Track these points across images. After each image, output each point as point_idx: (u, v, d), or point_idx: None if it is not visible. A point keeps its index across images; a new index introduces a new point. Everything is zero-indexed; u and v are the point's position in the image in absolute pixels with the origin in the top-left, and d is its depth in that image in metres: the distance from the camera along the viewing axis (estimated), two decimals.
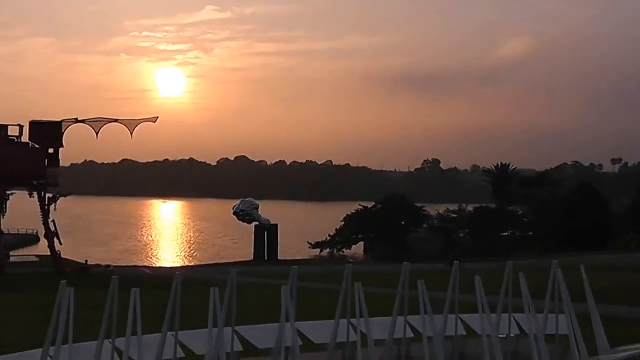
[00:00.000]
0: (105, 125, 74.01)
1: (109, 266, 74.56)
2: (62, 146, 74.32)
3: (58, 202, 74.57)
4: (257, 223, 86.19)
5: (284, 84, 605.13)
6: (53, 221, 73.94)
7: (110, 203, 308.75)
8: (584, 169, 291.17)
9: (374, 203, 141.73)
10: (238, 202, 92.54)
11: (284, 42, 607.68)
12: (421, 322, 13.09)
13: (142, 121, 73.71)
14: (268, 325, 16.89)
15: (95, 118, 74.61)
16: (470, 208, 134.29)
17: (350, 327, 18.00)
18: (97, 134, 73.73)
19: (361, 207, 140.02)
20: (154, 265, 75.86)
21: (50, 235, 73.93)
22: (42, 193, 72.77)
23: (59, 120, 74.80)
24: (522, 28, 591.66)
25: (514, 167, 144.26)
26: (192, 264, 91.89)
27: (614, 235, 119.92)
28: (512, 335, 15.82)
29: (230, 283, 12.23)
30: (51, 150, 73.99)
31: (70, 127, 74.38)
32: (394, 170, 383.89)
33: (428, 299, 11.45)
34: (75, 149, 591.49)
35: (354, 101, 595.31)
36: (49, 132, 72.60)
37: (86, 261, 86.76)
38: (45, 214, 72.55)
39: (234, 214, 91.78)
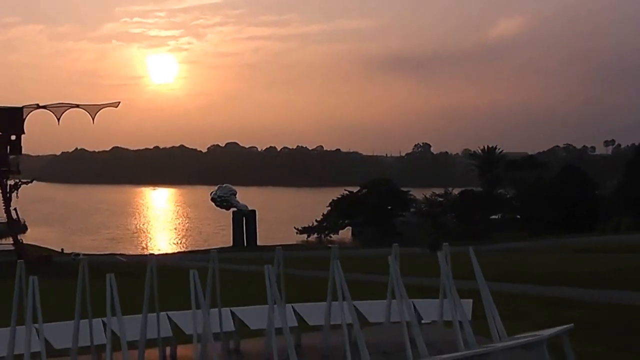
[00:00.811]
0: (67, 111, 72.75)
1: (77, 254, 72.84)
2: (24, 132, 73.20)
3: (20, 189, 73.08)
4: (235, 209, 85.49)
5: (277, 69, 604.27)
6: (15, 209, 72.76)
7: (101, 191, 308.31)
8: (576, 151, 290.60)
9: (359, 187, 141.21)
10: (215, 188, 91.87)
11: (276, 25, 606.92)
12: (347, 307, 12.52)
13: (103, 106, 72.72)
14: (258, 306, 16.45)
15: (56, 104, 73.61)
16: (456, 191, 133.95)
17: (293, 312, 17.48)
18: (58, 120, 72.76)
19: (347, 191, 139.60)
20: (130, 253, 75.13)
21: (13, 224, 72.88)
22: (4, 180, 71.53)
23: (20, 106, 73.65)
24: (514, 8, 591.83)
25: (500, 150, 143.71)
26: (171, 252, 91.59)
27: (604, 217, 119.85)
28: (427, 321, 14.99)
29: (212, 262, 12.41)
30: (13, 137, 72.78)
31: (31, 113, 73.23)
32: (385, 155, 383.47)
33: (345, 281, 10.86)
34: (66, 136, 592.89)
35: (346, 86, 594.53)
36: (9, 118, 71.38)
37: (62, 249, 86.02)
38: (7, 201, 71.42)
39: (212, 200, 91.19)
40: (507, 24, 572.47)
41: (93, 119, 72.08)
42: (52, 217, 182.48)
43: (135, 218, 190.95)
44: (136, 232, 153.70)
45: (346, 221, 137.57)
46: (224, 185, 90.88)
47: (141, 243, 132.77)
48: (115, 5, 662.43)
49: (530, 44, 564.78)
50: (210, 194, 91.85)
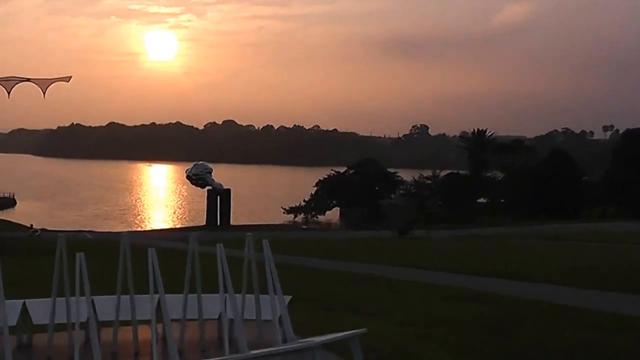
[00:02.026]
0: (18, 85, 71.01)
1: (35, 231, 71.17)
2: None
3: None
4: (209, 187, 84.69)
5: (278, 49, 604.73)
6: None
7: (96, 166, 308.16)
8: (575, 136, 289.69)
9: (345, 168, 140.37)
10: (191, 165, 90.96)
11: (278, 5, 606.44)
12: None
13: (54, 80, 71.02)
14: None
15: (6, 77, 72.02)
16: (445, 174, 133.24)
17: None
18: (8, 93, 71.05)
19: (333, 171, 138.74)
20: (99, 231, 74.30)
21: None
22: None
23: None
24: None
25: (491, 133, 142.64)
26: (145, 229, 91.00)
27: (591, 203, 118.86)
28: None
29: (191, 241, 11.02)
30: None
31: None
32: (383, 136, 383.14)
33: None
34: (62, 111, 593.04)
35: (346, 67, 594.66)
36: None
37: (31, 225, 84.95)
38: None
39: (187, 177, 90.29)
40: (511, 10, 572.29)
41: (44, 93, 70.67)
42: (43, 192, 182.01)
43: (127, 194, 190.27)
44: (124, 209, 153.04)
45: (334, 202, 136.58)
46: (200, 162, 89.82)
47: (127, 220, 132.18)
48: None
49: (534, 30, 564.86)
50: (186, 172, 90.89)
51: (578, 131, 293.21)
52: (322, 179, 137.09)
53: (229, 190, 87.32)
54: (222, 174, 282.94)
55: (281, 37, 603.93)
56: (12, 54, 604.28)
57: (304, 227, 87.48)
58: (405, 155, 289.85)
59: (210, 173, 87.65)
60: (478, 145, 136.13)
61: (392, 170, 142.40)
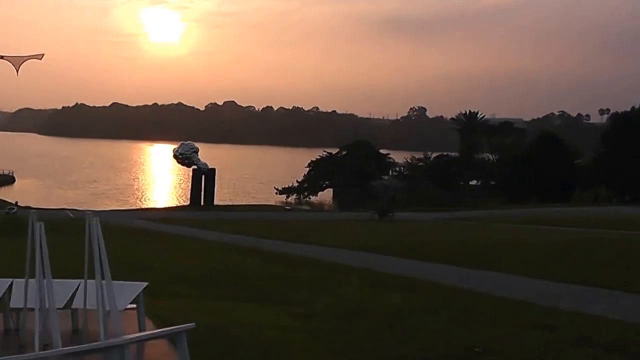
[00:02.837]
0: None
1: (12, 208, 71.09)
2: None
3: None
4: (195, 167, 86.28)
5: (279, 29, 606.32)
6: None
7: (99, 145, 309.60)
8: (571, 119, 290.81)
9: (338, 149, 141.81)
10: (177, 145, 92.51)
11: None
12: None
13: (27, 58, 71.82)
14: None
15: None
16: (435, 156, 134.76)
17: None
18: None
19: (326, 152, 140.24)
20: (85, 209, 75.64)
21: None
22: None
23: None
24: None
25: (482, 115, 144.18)
26: (130, 208, 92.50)
27: (583, 187, 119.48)
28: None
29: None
30: None
31: None
32: (382, 117, 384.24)
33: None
34: (66, 91, 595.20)
35: (346, 48, 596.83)
36: None
37: (16, 202, 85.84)
38: None
39: (173, 157, 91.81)
40: None
41: (17, 71, 71.56)
42: (43, 170, 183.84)
43: (126, 173, 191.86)
44: (121, 188, 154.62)
45: (326, 183, 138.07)
46: (187, 142, 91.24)
47: (122, 198, 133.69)
48: None
49: (533, 9, 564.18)
50: (172, 151, 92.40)
51: (574, 114, 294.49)
52: (314, 160, 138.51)
53: (213, 170, 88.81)
54: (221, 154, 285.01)
55: (281, 17, 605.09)
56: (17, 34, 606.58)
57: (287, 207, 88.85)
58: (403, 137, 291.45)
59: (197, 152, 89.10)
60: (469, 127, 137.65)
61: (384, 151, 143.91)
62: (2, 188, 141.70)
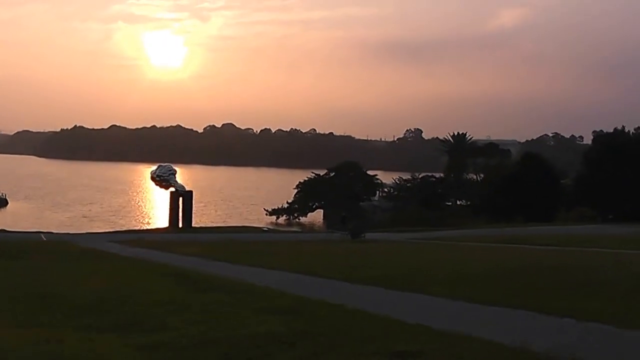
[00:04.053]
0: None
1: None
2: None
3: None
4: (173, 189, 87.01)
5: (278, 53, 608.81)
6: None
7: (96, 167, 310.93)
8: (565, 140, 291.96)
9: (326, 170, 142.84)
10: (155, 166, 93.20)
11: (279, 10, 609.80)
12: None
13: None
14: None
15: None
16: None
17: None
18: None
19: (314, 174, 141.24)
20: (58, 232, 76.18)
21: None
22: None
23: None
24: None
25: (470, 137, 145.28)
26: (111, 230, 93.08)
27: (567, 206, 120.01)
28: None
29: None
30: None
31: None
32: (379, 139, 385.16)
33: None
34: (66, 113, 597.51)
35: (344, 71, 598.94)
36: None
37: None
38: None
39: (151, 178, 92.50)
40: (507, 14, 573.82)
41: None
42: (37, 193, 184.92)
43: (120, 196, 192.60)
44: (115, 210, 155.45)
45: (316, 204, 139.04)
46: (165, 164, 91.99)
47: (114, 221, 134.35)
48: None
49: (529, 34, 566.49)
50: (150, 173, 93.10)
51: (568, 136, 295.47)
52: (302, 181, 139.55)
53: (190, 192, 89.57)
54: (218, 175, 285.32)
55: (281, 42, 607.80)
56: (21, 56, 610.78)
57: (265, 229, 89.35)
58: (399, 158, 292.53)
59: (175, 174, 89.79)
60: (456, 148, 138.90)
61: (372, 172, 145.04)
62: None
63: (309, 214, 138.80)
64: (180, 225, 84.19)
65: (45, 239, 57.40)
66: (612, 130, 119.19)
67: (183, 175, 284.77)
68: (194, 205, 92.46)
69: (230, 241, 53.82)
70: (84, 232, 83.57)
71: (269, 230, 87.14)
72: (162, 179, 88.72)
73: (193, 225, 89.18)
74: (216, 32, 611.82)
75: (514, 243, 49.69)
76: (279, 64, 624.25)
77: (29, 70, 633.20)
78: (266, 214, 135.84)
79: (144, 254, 41.05)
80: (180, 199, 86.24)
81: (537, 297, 19.40)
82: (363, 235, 65.37)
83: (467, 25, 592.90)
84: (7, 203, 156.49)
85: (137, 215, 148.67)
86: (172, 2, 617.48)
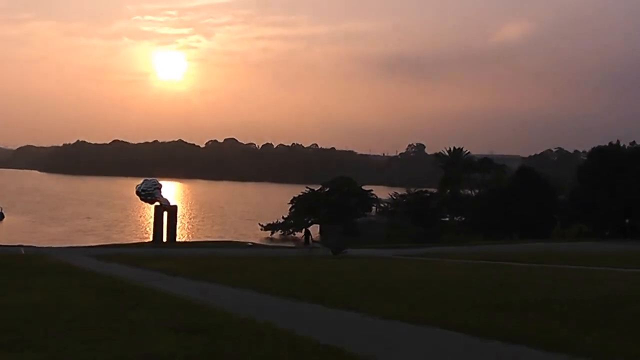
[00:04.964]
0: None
1: None
2: None
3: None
4: (158, 203, 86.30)
5: (283, 68, 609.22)
6: None
7: (97, 182, 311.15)
8: (568, 155, 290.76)
9: (320, 186, 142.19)
10: (140, 181, 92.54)
11: (283, 26, 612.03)
12: None
13: None
14: None
15: None
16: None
17: None
18: None
19: (308, 189, 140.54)
20: (43, 246, 75.48)
21: None
22: None
23: None
24: (516, 13, 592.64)
25: (467, 152, 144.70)
26: (93, 244, 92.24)
27: (564, 223, 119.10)
28: None
29: None
30: None
31: None
32: (381, 154, 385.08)
33: None
34: (69, 128, 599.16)
35: (348, 86, 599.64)
36: None
37: None
38: None
39: (136, 193, 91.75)
40: (508, 30, 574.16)
41: None
42: (35, 207, 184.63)
43: (118, 210, 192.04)
44: (110, 224, 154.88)
45: (312, 219, 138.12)
46: (150, 179, 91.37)
47: (107, 235, 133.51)
48: (127, 3, 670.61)
49: (532, 49, 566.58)
50: (136, 187, 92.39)
51: (572, 151, 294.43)
52: (296, 196, 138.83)
53: (175, 207, 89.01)
54: (219, 190, 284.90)
55: (285, 57, 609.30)
56: (27, 73, 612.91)
57: (249, 244, 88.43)
58: (400, 174, 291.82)
59: (160, 189, 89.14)
60: (452, 163, 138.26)
61: (367, 187, 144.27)
62: None
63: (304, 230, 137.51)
64: (165, 239, 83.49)
65: (23, 253, 56.88)
66: (607, 145, 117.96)
67: (184, 189, 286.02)
68: (188, 220, 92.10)
69: (205, 257, 53.20)
70: (69, 246, 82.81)
71: (253, 245, 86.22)
72: (147, 194, 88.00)
73: (178, 239, 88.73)
74: (220, 48, 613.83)
75: (495, 260, 49.78)
76: (281, 79, 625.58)
77: (32, 85, 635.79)
78: (261, 229, 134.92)
79: (109, 268, 40.40)
80: (165, 213, 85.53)
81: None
82: (345, 251, 64.74)
83: (470, 40, 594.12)
84: (2, 217, 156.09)
85: (133, 230, 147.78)
86: (177, 18, 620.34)
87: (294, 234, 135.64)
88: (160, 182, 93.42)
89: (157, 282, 31.36)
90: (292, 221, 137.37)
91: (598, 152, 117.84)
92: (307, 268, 42.43)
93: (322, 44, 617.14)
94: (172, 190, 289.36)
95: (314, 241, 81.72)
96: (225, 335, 16.35)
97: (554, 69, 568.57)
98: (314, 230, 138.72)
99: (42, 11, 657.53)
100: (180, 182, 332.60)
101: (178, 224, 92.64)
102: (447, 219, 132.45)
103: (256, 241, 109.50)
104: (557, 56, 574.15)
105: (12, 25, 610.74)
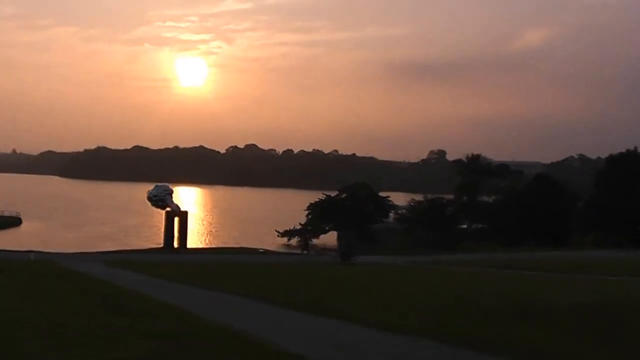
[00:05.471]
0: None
1: None
2: None
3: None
4: (169, 209, 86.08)
5: (303, 74, 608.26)
6: None
7: (117, 188, 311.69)
8: (591, 162, 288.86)
9: (337, 192, 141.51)
10: (144, 187, 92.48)
11: (304, 32, 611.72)
12: None
13: None
14: None
15: None
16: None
17: None
18: None
19: (325, 195, 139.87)
20: (54, 252, 75.36)
21: None
22: None
23: None
24: (539, 19, 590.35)
25: (485, 158, 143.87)
26: (106, 250, 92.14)
27: (582, 230, 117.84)
28: None
29: None
30: None
31: None
32: (402, 160, 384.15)
33: None
34: (87, 135, 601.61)
35: (369, 92, 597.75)
36: None
37: None
38: None
39: (147, 199, 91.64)
40: (531, 35, 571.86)
41: None
42: (53, 212, 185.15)
43: (137, 215, 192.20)
44: (126, 229, 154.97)
45: (329, 225, 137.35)
46: (161, 184, 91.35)
47: (123, 241, 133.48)
48: (148, 10, 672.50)
49: (553, 54, 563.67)
50: (147, 193, 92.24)
51: (594, 157, 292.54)
52: (313, 202, 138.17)
53: (186, 213, 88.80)
54: (238, 196, 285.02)
55: (306, 63, 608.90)
56: (48, 79, 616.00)
57: (261, 250, 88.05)
58: (420, 180, 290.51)
59: (171, 194, 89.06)
60: (469, 169, 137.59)
61: (384, 194, 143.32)
62: (7, 230, 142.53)
63: (323, 236, 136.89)
64: (176, 245, 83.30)
65: (32, 259, 56.84)
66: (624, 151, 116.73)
67: (204, 195, 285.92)
68: (206, 226, 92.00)
69: (207, 263, 53.08)
70: (81, 251, 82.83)
71: (264, 252, 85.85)
72: (159, 199, 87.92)
73: (194, 245, 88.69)
74: (241, 54, 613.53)
75: (509, 268, 49.87)
76: (303, 85, 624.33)
77: (54, 91, 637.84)
78: (278, 236, 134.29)
79: (111, 274, 40.20)
80: (176, 219, 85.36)
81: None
82: (354, 257, 64.07)
83: (492, 46, 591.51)
84: (21, 222, 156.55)
85: (149, 235, 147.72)
86: (198, 23, 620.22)
87: (311, 241, 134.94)
88: (181, 188, 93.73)
89: (152, 288, 31.25)
90: (310, 227, 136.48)
91: (615, 159, 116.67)
92: (305, 274, 42.19)
93: (343, 50, 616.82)
94: (192, 195, 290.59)
95: (322, 248, 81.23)
96: (196, 341, 16.36)
97: (577, 75, 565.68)
98: (332, 236, 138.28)
99: (63, 17, 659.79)
100: (200, 187, 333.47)
101: (196, 230, 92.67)
102: (464, 226, 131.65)
103: (273, 248, 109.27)
104: (579, 62, 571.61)
105: (32, 31, 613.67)
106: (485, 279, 39.39)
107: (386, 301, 25.60)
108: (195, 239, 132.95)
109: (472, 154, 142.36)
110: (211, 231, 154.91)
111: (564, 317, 20.91)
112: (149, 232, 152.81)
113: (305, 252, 67.14)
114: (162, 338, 16.56)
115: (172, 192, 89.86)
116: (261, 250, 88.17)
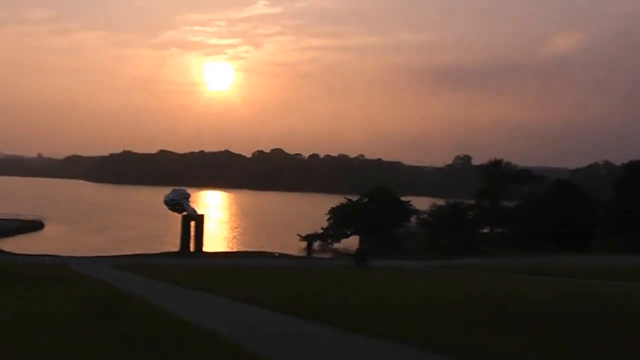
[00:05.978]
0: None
1: None
2: None
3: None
4: (185, 213, 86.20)
5: (331, 79, 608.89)
6: None
7: (142, 192, 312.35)
8: (616, 168, 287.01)
9: (359, 196, 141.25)
10: (169, 191, 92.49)
11: (332, 37, 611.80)
12: None
13: None
14: None
15: None
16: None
17: None
18: None
19: (346, 199, 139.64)
20: (69, 255, 75.47)
21: None
22: None
23: None
24: (566, 24, 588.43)
25: (510, 164, 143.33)
26: (121, 254, 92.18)
27: (603, 236, 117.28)
28: None
29: None
30: None
31: None
32: (428, 165, 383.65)
33: None
34: (113, 139, 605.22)
35: (395, 96, 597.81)
36: None
37: None
38: None
39: (164, 202, 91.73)
40: (559, 40, 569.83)
41: None
42: (76, 216, 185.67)
43: (161, 219, 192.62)
44: (148, 234, 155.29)
45: (350, 230, 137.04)
46: (179, 188, 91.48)
47: (146, 244, 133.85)
48: (176, 14, 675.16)
49: (581, 60, 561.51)
50: (164, 197, 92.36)
51: (619, 164, 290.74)
52: (333, 207, 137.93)
53: (202, 217, 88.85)
54: (264, 200, 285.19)
55: (333, 68, 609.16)
56: (76, 82, 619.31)
57: (276, 255, 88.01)
58: (447, 185, 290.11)
59: (188, 199, 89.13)
60: (491, 174, 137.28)
61: (405, 198, 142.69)
62: (29, 234, 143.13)
63: (344, 240, 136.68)
64: (192, 249, 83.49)
65: (47, 262, 57.06)
66: None
67: (230, 199, 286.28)
68: (229, 230, 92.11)
69: (218, 267, 53.11)
70: (98, 255, 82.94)
71: (279, 256, 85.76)
72: (176, 203, 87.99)
73: (215, 249, 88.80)
74: (269, 58, 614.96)
75: (528, 273, 51.08)
76: (329, 90, 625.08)
77: (81, 95, 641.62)
78: (299, 240, 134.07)
79: (118, 279, 40.34)
80: (192, 223, 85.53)
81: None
82: (368, 261, 64.08)
83: (520, 51, 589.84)
84: (43, 226, 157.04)
85: (172, 239, 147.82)
86: (226, 28, 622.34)
87: (332, 245, 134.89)
88: (206, 192, 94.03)
89: (153, 292, 31.31)
90: (332, 232, 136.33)
91: (634, 165, 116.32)
92: (313, 279, 42.19)
93: (371, 55, 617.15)
94: (217, 199, 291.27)
95: (343, 253, 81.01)
96: (173, 348, 16.30)
97: (604, 80, 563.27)
98: (354, 240, 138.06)
99: (91, 21, 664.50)
100: (226, 192, 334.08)
101: (219, 234, 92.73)
102: (486, 230, 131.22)
103: (294, 252, 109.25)
104: (607, 68, 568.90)
105: (60, 35, 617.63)
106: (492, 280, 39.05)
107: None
108: (218, 243, 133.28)
109: (495, 159, 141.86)
110: (235, 235, 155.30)
111: None
112: (171, 237, 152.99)
113: (308, 255, 67.07)
114: (138, 344, 16.36)
115: (189, 196, 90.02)
116: (276, 255, 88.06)
